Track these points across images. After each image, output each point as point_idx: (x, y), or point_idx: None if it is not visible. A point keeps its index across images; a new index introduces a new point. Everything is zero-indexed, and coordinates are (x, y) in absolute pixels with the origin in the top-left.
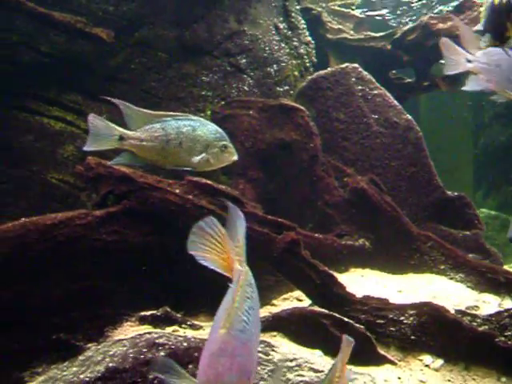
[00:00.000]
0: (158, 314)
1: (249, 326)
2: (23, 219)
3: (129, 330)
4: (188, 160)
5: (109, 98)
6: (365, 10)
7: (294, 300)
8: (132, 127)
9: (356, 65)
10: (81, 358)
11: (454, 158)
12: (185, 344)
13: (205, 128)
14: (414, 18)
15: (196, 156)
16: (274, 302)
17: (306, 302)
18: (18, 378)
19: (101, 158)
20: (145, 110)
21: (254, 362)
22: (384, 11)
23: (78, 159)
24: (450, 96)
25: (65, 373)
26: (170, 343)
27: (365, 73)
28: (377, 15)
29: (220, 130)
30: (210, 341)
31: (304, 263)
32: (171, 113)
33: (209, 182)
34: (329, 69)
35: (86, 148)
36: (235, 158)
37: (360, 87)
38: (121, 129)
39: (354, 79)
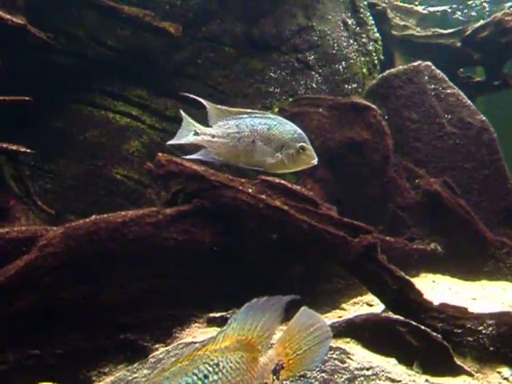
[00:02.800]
0: (228, 315)
1: None
2: (94, 216)
3: (197, 332)
4: (261, 160)
5: (190, 95)
6: (425, 6)
7: (364, 305)
8: (212, 124)
9: (429, 63)
10: (151, 360)
11: None
12: None
13: (282, 127)
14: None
15: (270, 156)
16: (344, 306)
17: (376, 307)
18: (85, 377)
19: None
20: (225, 108)
21: None
22: (446, 7)
23: (144, 155)
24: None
25: (135, 375)
26: None
27: (438, 71)
28: (439, 11)
29: (300, 131)
30: None
31: (380, 268)
32: (250, 110)
33: (283, 181)
34: (400, 67)
35: (169, 142)
36: (314, 161)
37: (433, 86)
38: (197, 124)
39: (426, 78)
